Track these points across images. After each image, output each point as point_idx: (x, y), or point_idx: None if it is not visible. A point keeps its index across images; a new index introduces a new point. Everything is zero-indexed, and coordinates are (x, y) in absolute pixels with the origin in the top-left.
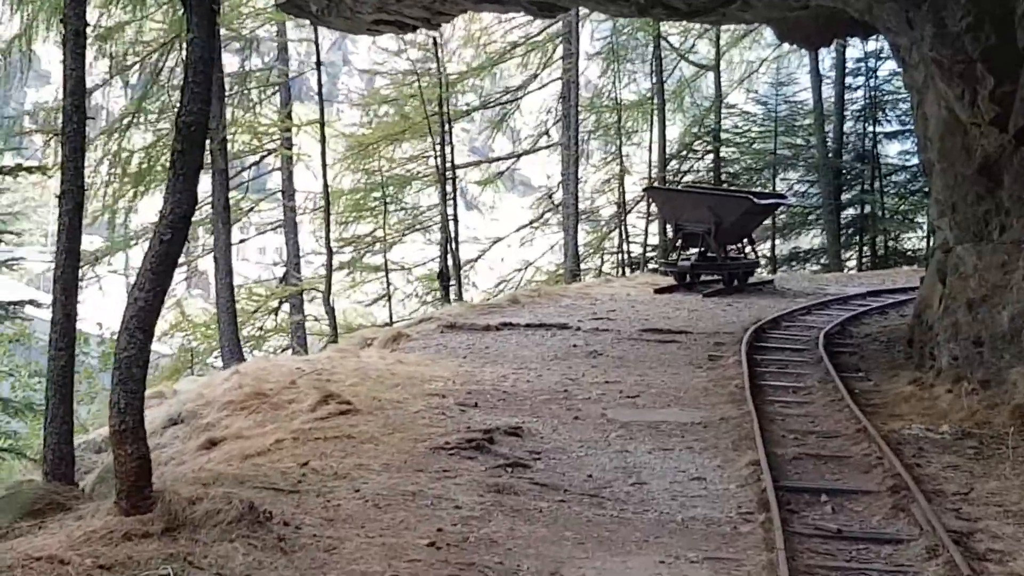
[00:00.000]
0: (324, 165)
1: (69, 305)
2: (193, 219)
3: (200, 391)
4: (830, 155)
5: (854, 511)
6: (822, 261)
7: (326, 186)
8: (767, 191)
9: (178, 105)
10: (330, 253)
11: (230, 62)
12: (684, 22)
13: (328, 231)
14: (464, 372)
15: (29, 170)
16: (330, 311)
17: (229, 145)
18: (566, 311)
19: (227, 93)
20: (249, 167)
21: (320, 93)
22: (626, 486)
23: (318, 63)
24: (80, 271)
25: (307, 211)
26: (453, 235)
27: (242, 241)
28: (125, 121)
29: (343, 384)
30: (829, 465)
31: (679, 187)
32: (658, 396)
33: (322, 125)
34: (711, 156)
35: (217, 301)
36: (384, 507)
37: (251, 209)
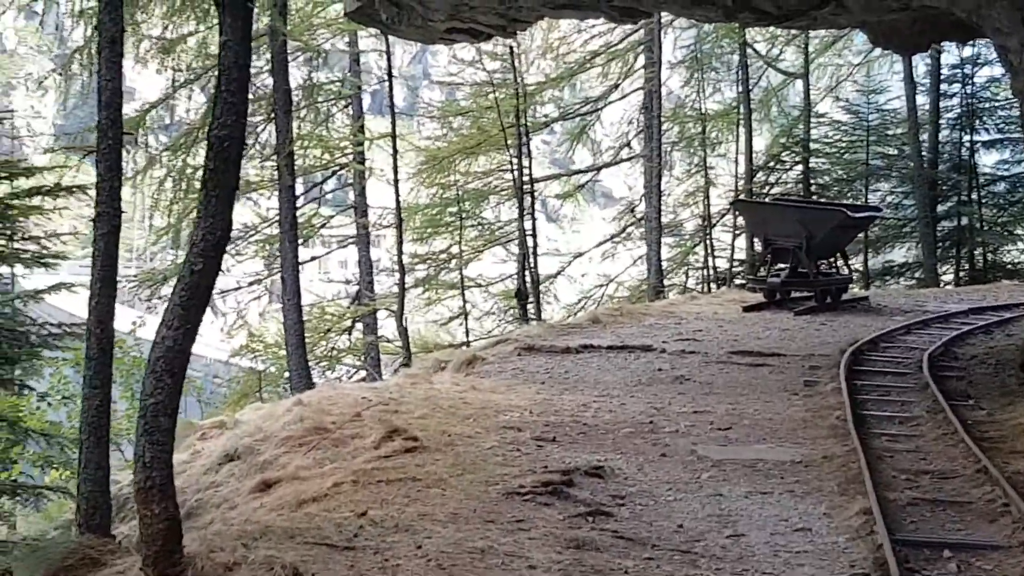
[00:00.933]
0: (396, 180)
1: (105, 339)
2: (259, 238)
3: (259, 424)
4: (925, 165)
5: (983, 570)
6: (917, 275)
7: (398, 201)
8: (860, 203)
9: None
10: (403, 271)
11: (297, 75)
12: (772, 28)
13: (400, 248)
14: (542, 400)
15: (69, 190)
16: (403, 331)
17: (299, 160)
18: (650, 331)
19: (295, 106)
20: (321, 183)
21: (392, 105)
22: (721, 539)
23: (389, 74)
24: (151, 291)
25: (381, 227)
26: (531, 250)
27: (313, 259)
28: (190, 137)
29: (411, 416)
30: (949, 512)
31: (768, 200)
32: (752, 428)
33: (394, 138)
34: (800, 167)
35: (284, 322)
36: (449, 568)
37: (323, 225)
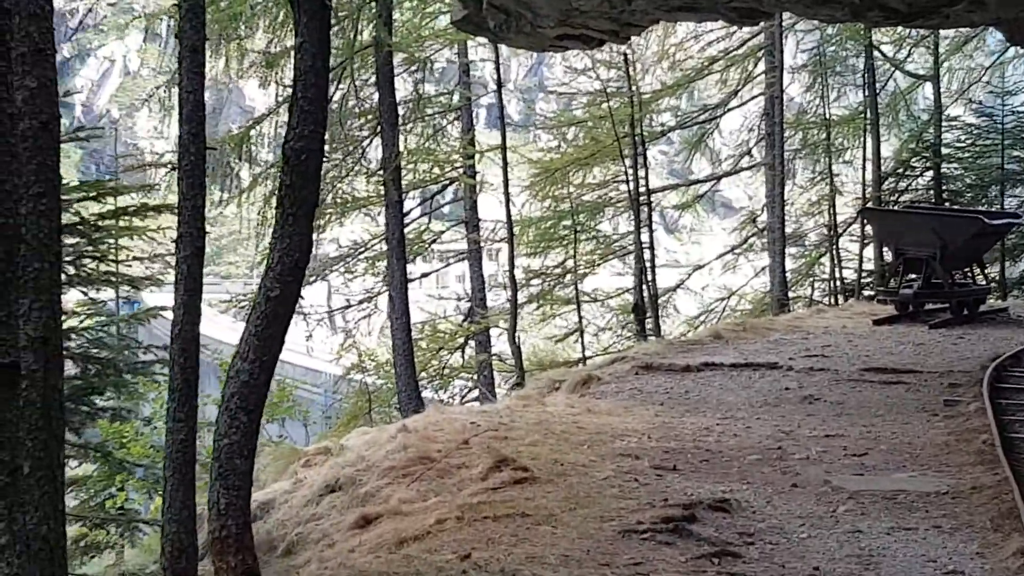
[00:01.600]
0: (507, 192)
1: (189, 369)
2: (371, 254)
3: (362, 452)
4: None
5: None
6: None
7: (509, 214)
8: (998, 210)
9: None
10: (515, 286)
11: (406, 87)
12: (899, 29)
13: (512, 263)
14: (661, 424)
15: (158, 209)
16: (516, 350)
17: (409, 175)
18: (775, 347)
19: (402, 120)
20: (431, 197)
21: (502, 116)
22: None
23: (498, 84)
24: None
25: (493, 241)
26: (649, 264)
27: (425, 275)
28: None
29: (521, 443)
30: None
31: (898, 207)
32: (890, 454)
33: (504, 150)
34: (930, 173)
35: (393, 342)
36: None
37: (434, 241)
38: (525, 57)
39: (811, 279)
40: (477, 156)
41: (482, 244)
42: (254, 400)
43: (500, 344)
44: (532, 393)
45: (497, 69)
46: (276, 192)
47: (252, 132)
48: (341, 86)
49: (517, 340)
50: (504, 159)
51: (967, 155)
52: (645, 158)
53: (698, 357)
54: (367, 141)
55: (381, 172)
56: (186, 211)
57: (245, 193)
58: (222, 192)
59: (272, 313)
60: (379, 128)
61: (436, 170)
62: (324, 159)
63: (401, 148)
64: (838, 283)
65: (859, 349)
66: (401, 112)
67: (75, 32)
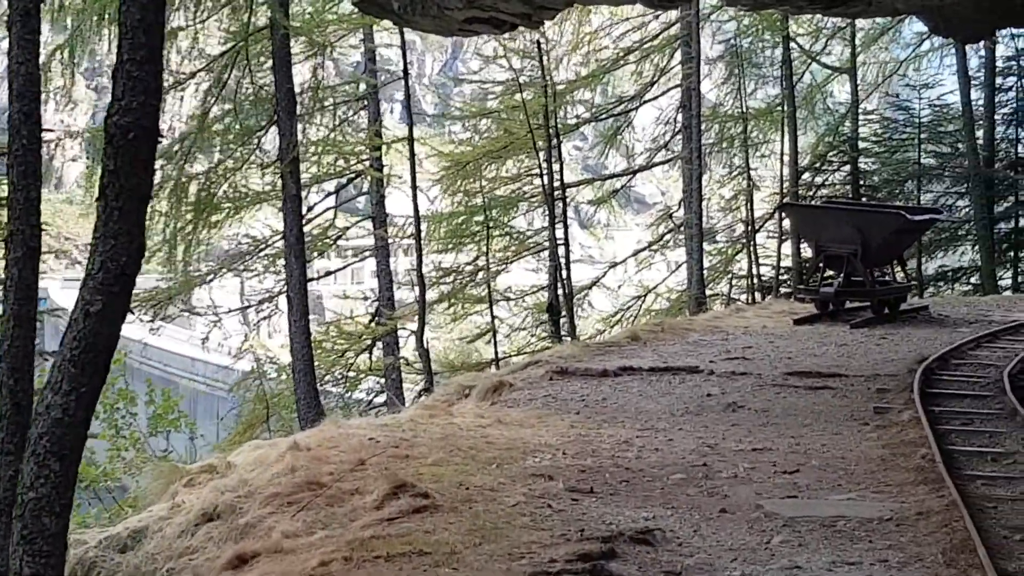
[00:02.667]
0: (414, 186)
1: (21, 392)
2: (271, 251)
3: (246, 475)
4: (981, 164)
5: None
6: (973, 281)
7: (416, 209)
8: (919, 205)
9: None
10: (423, 286)
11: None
12: (815, 20)
13: (420, 260)
14: (576, 437)
15: None
16: (424, 353)
17: (314, 168)
18: (694, 349)
19: (303, 109)
20: (336, 191)
21: (408, 105)
22: None
23: (404, 71)
24: (153, 311)
25: (401, 238)
26: (564, 261)
27: (328, 274)
28: (186, 143)
29: (424, 462)
30: None
31: (818, 203)
32: (823, 471)
33: (411, 141)
34: (847, 168)
35: (291, 347)
36: None
37: (339, 237)
38: (439, 51)
39: (728, 276)
40: (385, 148)
41: (390, 240)
42: (70, 442)
43: (410, 346)
44: (439, 402)
45: (403, 54)
46: (99, 180)
47: None
48: (236, 72)
49: (425, 343)
50: (411, 151)
51: (884, 149)
52: (559, 151)
53: (615, 360)
54: (263, 131)
55: (278, 164)
56: (17, 205)
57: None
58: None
59: (93, 332)
60: (276, 117)
61: (341, 163)
62: (212, 147)
63: (301, 138)
64: (756, 280)
65: (781, 351)
66: (305, 101)
67: None
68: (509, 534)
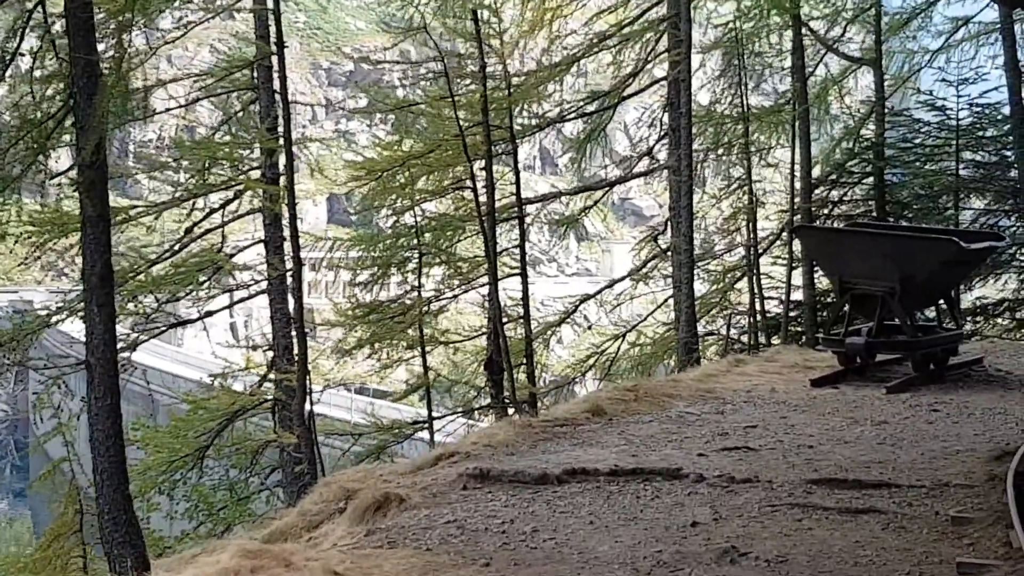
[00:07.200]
0: (292, 200)
1: None
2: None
3: None
4: None
5: None
6: (1018, 316)
7: (295, 232)
8: (974, 230)
9: None
10: (303, 336)
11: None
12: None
13: (300, 303)
14: None
15: None
16: (304, 432)
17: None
18: (678, 430)
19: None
20: (223, 206)
21: (283, 92)
22: None
23: (279, 40)
24: None
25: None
26: (520, 298)
27: (175, 325)
28: None
29: None
30: None
31: (844, 226)
32: None
33: (288, 140)
34: (871, 180)
35: (91, 439)
36: None
37: (218, 268)
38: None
39: (726, 312)
40: (280, 155)
41: (287, 271)
42: None
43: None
44: (294, 526)
45: (276, 19)
46: None
47: None
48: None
49: (308, 415)
50: (288, 151)
51: (913, 158)
52: (516, 157)
53: (564, 453)
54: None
55: (73, 176)
56: None
57: None
58: None
59: None
60: (73, 102)
61: (225, 171)
62: None
63: (137, 135)
64: (760, 318)
65: (798, 434)
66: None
67: None
68: None
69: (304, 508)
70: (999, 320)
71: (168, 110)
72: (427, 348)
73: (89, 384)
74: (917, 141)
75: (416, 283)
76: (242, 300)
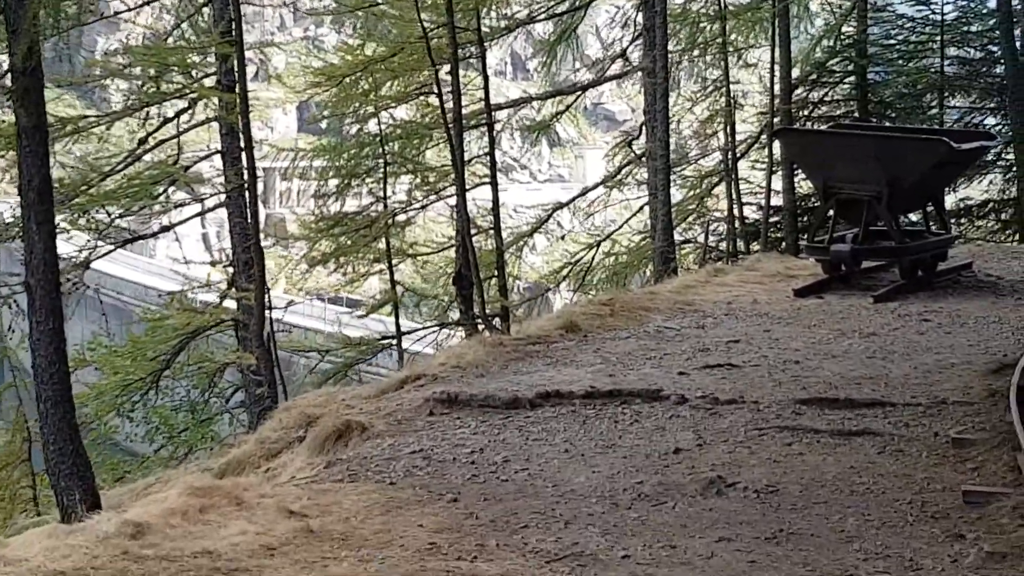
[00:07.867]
0: (244, 100)
1: None
2: None
3: None
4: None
5: None
6: (1003, 218)
7: (249, 143)
8: (964, 128)
9: None
10: (260, 252)
11: None
12: None
13: (256, 217)
14: (442, 572)
15: None
16: (263, 354)
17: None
18: (656, 346)
19: None
20: (176, 116)
21: None
22: None
23: None
24: None
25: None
26: (491, 208)
27: (129, 242)
28: None
29: None
30: None
31: (828, 127)
32: None
33: (239, 44)
34: (852, 79)
35: (33, 363)
36: None
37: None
38: None
39: (704, 219)
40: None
41: (244, 184)
42: None
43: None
44: (252, 455)
45: None
46: None
47: None
48: None
49: (269, 336)
50: (240, 55)
51: (896, 55)
52: (484, 61)
53: (536, 375)
54: None
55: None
56: None
57: None
58: None
59: None
60: (4, 5)
61: (177, 79)
62: None
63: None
64: (739, 225)
65: (783, 348)
66: None
67: None
68: None
69: (263, 435)
70: (983, 222)
71: (117, 14)
72: (395, 261)
73: (30, 307)
74: (900, 38)
75: (381, 194)
76: (199, 214)
